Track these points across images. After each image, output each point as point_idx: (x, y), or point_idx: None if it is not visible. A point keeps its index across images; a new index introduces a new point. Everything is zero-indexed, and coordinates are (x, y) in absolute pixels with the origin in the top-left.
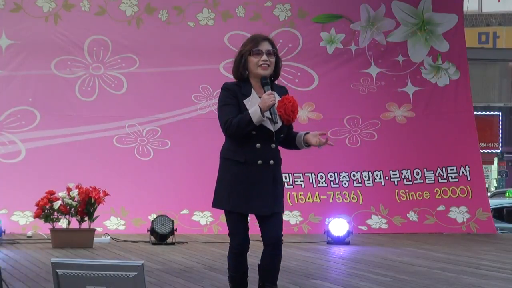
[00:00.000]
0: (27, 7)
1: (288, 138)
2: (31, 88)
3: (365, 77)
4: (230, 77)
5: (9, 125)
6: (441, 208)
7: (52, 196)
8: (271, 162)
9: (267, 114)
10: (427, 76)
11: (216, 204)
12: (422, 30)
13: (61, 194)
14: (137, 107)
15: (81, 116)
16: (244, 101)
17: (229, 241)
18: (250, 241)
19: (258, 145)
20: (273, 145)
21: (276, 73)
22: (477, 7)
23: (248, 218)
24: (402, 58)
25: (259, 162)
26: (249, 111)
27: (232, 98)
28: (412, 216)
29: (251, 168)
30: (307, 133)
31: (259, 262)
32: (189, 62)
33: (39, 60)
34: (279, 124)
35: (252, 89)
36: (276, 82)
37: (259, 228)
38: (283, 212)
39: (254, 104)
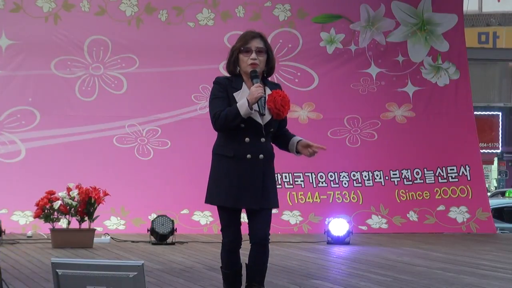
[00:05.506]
0: (27, 7)
1: (281, 137)
2: (31, 88)
3: (365, 77)
4: None
5: (9, 125)
6: (441, 208)
7: (52, 196)
8: (261, 156)
9: (255, 107)
10: (427, 76)
11: (207, 199)
12: (422, 30)
13: (61, 194)
14: (137, 107)
15: (81, 116)
16: (234, 94)
17: None
18: (245, 240)
19: (247, 139)
20: (262, 139)
21: (269, 69)
22: (477, 7)
23: (241, 215)
24: (402, 58)
25: (248, 156)
26: (237, 104)
27: (222, 91)
28: (412, 216)
29: (240, 162)
30: (301, 140)
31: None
32: (189, 62)
33: (39, 60)
34: (268, 117)
35: (243, 83)
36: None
37: (248, 225)
38: (276, 207)
39: (244, 97)
